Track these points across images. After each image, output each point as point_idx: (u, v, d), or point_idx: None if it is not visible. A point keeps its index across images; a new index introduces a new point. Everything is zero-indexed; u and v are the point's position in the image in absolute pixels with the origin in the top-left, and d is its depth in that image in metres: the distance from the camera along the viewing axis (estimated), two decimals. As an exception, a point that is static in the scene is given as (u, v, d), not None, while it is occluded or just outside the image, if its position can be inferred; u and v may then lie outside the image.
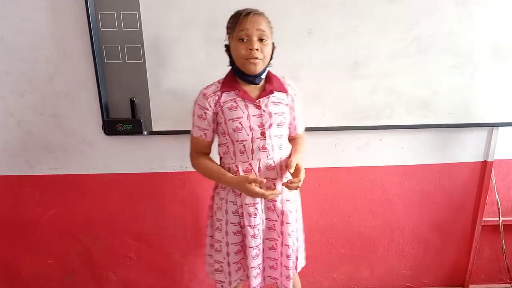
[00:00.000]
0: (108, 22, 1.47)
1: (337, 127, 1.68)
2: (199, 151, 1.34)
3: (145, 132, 1.60)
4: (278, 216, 1.31)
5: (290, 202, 1.34)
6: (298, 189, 1.36)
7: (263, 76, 1.27)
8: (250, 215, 1.28)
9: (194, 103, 1.30)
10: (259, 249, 1.33)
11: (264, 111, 1.25)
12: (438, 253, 1.99)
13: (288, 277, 1.36)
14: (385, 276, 2.02)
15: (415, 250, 1.97)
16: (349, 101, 1.65)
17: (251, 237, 1.29)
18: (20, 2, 1.47)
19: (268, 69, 1.29)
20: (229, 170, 1.30)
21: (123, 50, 1.51)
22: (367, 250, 1.96)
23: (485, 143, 1.81)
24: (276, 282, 1.42)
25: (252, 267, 1.33)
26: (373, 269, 2.00)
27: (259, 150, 1.26)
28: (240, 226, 1.32)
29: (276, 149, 1.29)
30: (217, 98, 1.25)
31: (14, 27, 1.49)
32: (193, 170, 1.72)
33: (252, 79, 1.24)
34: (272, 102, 1.27)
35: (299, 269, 1.47)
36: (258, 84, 1.27)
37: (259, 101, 1.25)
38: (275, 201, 1.30)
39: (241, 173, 1.27)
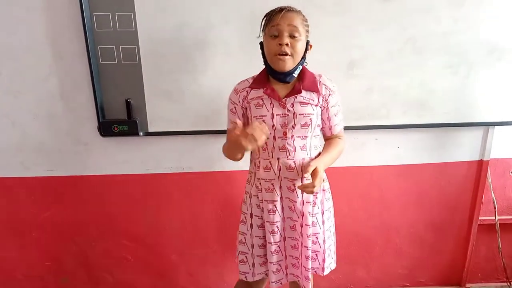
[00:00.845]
0: (103, 22, 1.47)
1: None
2: None
3: (141, 133, 1.60)
4: (298, 217, 1.31)
5: (315, 204, 1.31)
6: (326, 191, 1.37)
7: (295, 75, 1.23)
8: (269, 211, 1.29)
9: (228, 98, 1.33)
10: (278, 246, 1.34)
11: (289, 111, 1.23)
12: (434, 252, 1.99)
13: (307, 278, 1.36)
14: (381, 276, 2.02)
15: (411, 249, 1.98)
16: (344, 101, 1.62)
17: (270, 233, 1.31)
18: (14, 2, 1.46)
19: (301, 66, 1.24)
20: (255, 165, 1.33)
21: (118, 51, 1.51)
22: (363, 250, 1.96)
23: (481, 142, 1.82)
24: (299, 280, 1.40)
25: (271, 262, 1.35)
26: (370, 269, 2.00)
27: (279, 149, 1.26)
28: (264, 220, 1.34)
29: (298, 150, 1.26)
30: (245, 94, 1.27)
31: (8, 27, 1.49)
32: (189, 171, 1.73)
33: (282, 77, 1.21)
34: (299, 102, 1.23)
35: (326, 272, 1.42)
36: (289, 82, 1.24)
37: (284, 100, 1.23)
38: (295, 201, 1.29)
39: (261, 170, 1.29)
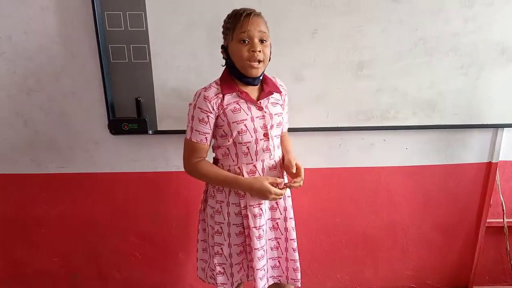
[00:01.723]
0: (115, 22, 1.48)
1: (342, 127, 1.68)
2: (198, 156, 1.28)
3: (150, 132, 1.61)
4: (281, 213, 1.35)
5: (290, 198, 1.39)
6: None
7: (261, 77, 1.27)
8: (255, 216, 1.28)
9: (191, 106, 1.23)
10: (264, 250, 1.33)
11: (265, 112, 1.25)
12: (442, 254, 1.99)
13: (296, 270, 1.38)
14: (388, 277, 2.02)
15: (419, 250, 1.97)
16: (353, 101, 1.65)
17: (257, 238, 1.29)
18: (27, 2, 1.48)
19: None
20: (234, 172, 1.28)
21: (129, 50, 1.52)
22: (370, 251, 1.96)
23: (490, 144, 1.81)
24: (280, 280, 1.43)
25: (258, 269, 1.32)
26: (377, 270, 2.00)
27: (263, 151, 1.27)
28: (243, 227, 1.32)
29: (276, 149, 1.31)
30: (219, 100, 1.21)
31: (21, 26, 1.50)
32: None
33: (251, 80, 1.23)
34: (271, 103, 1.29)
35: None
36: (257, 85, 1.27)
37: (260, 102, 1.25)
38: (280, 198, 1.31)
39: (245, 175, 1.26)
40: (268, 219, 1.35)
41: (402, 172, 1.82)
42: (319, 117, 1.66)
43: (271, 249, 1.39)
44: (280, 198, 1.28)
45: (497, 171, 1.84)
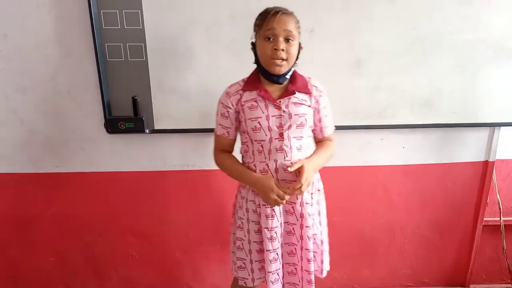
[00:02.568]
0: (111, 20, 1.48)
1: (339, 126, 1.66)
2: (222, 149, 1.35)
3: (147, 131, 1.61)
4: (298, 220, 1.29)
5: (312, 205, 1.31)
6: (321, 191, 1.39)
7: (288, 76, 1.25)
8: (267, 216, 1.26)
9: (218, 101, 1.30)
10: (276, 253, 1.30)
11: (284, 111, 1.23)
12: (439, 253, 1.99)
13: (309, 282, 1.33)
14: (386, 275, 2.02)
15: (416, 249, 1.98)
16: (351, 100, 1.64)
17: (268, 240, 1.27)
18: (22, 0, 1.47)
19: (293, 69, 1.26)
20: (249, 169, 1.29)
21: (126, 48, 1.52)
22: (368, 249, 1.96)
23: (486, 143, 1.81)
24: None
25: (270, 272, 1.30)
26: (374, 268, 2.00)
27: (277, 151, 1.24)
28: (260, 226, 1.31)
29: (295, 151, 1.26)
30: (239, 97, 1.25)
31: (17, 25, 1.50)
32: (195, 168, 1.74)
33: (276, 78, 1.22)
34: (293, 103, 1.24)
35: (324, 274, 1.43)
36: (282, 83, 1.25)
37: (279, 101, 1.23)
38: (294, 203, 1.28)
39: (258, 173, 1.26)
40: (285, 222, 1.31)
41: (400, 171, 1.83)
42: (317, 115, 1.65)
43: (288, 254, 1.34)
44: (283, 203, 1.21)
45: (494, 170, 1.84)
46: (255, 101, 1.23)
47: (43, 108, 1.61)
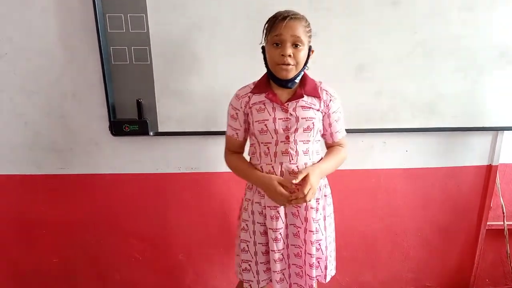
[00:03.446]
0: (116, 24, 1.49)
1: (342, 129, 1.68)
2: (232, 150, 1.37)
3: (151, 133, 1.62)
4: (302, 223, 1.30)
5: (317, 210, 1.31)
6: (328, 196, 1.38)
7: (297, 80, 1.24)
8: (271, 218, 1.28)
9: (229, 104, 1.32)
10: (281, 254, 1.32)
11: (291, 115, 1.23)
12: (442, 257, 1.98)
13: (311, 287, 1.34)
14: (388, 279, 2.01)
15: (418, 253, 1.97)
16: (353, 104, 1.65)
17: (273, 240, 1.29)
18: (28, 3, 1.49)
19: (303, 72, 1.26)
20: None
21: (130, 52, 1.53)
22: (370, 253, 1.96)
23: (490, 147, 1.81)
24: None
25: (275, 271, 1.33)
26: (376, 272, 2.00)
27: (282, 154, 1.25)
28: (266, 227, 1.32)
29: (301, 154, 1.26)
30: (247, 99, 1.27)
31: (22, 28, 1.51)
32: (198, 171, 1.75)
33: (284, 83, 1.23)
34: (301, 106, 1.24)
35: (328, 279, 1.42)
36: (291, 88, 1.25)
37: (287, 104, 1.23)
38: (299, 206, 1.28)
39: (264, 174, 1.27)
40: (291, 224, 1.32)
41: (402, 175, 1.83)
42: (319, 119, 1.66)
43: (295, 256, 1.35)
44: (288, 202, 1.20)
45: (497, 174, 1.84)
46: (263, 104, 1.25)
47: (48, 110, 1.62)
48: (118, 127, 1.60)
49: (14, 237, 1.82)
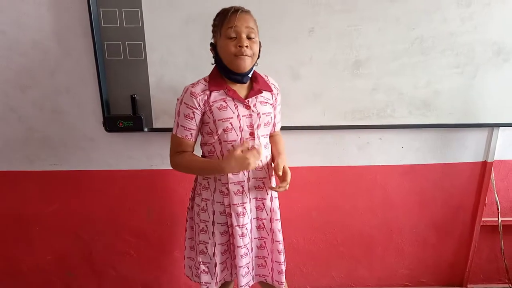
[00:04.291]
0: (110, 18, 1.47)
1: (338, 126, 1.68)
2: (182, 151, 1.28)
3: (145, 129, 1.60)
4: (268, 214, 1.34)
5: (277, 198, 1.38)
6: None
7: (250, 75, 1.25)
8: (238, 215, 1.28)
9: (179, 101, 1.24)
10: (247, 249, 1.34)
11: (253, 111, 1.24)
12: (436, 253, 1.99)
13: (280, 272, 1.38)
14: (383, 275, 2.02)
15: (414, 249, 1.98)
16: (350, 100, 1.65)
17: (240, 236, 1.29)
18: (22, -2, 1.47)
19: (254, 67, 1.27)
20: None
21: (125, 47, 1.51)
22: (366, 249, 1.96)
23: (485, 143, 1.81)
24: (266, 279, 1.43)
25: (240, 266, 1.33)
26: (372, 268, 2.01)
27: (248, 150, 1.24)
28: (228, 226, 1.32)
29: (263, 149, 1.28)
30: (206, 97, 1.21)
31: (16, 22, 1.49)
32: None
33: (240, 78, 1.22)
34: (260, 102, 1.27)
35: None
36: (245, 83, 1.25)
37: (248, 101, 1.24)
38: (264, 199, 1.32)
39: (230, 175, 1.25)
40: (254, 218, 1.35)
41: (398, 171, 1.83)
42: (316, 115, 1.66)
43: (257, 248, 1.39)
44: (259, 158, 1.18)
45: (492, 170, 1.84)
46: (224, 101, 1.22)
47: (42, 106, 1.61)
48: (112, 123, 1.58)
49: (8, 234, 1.81)
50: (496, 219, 1.92)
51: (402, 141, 1.78)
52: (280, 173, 1.25)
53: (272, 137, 1.41)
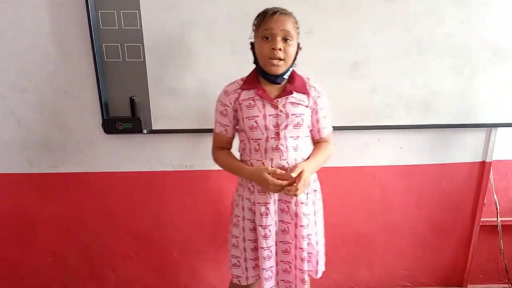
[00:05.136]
0: (109, 20, 1.48)
1: (337, 126, 1.67)
2: (220, 146, 1.37)
3: (144, 131, 1.61)
4: (292, 219, 1.30)
5: (307, 205, 1.32)
6: (317, 191, 1.39)
7: (286, 76, 1.25)
8: (261, 214, 1.27)
9: (217, 100, 1.32)
10: (270, 251, 1.32)
11: (281, 111, 1.24)
12: (436, 253, 1.99)
13: (303, 281, 1.34)
14: (383, 276, 2.02)
15: (413, 250, 1.98)
16: (348, 101, 1.65)
17: (262, 237, 1.29)
18: (20, 1, 1.47)
19: (291, 69, 1.27)
20: None
21: (123, 49, 1.52)
22: (365, 250, 1.96)
23: (483, 143, 1.82)
24: (290, 286, 1.39)
25: (264, 269, 1.32)
26: (372, 269, 2.01)
27: (272, 150, 1.25)
28: (255, 224, 1.32)
29: (291, 151, 1.27)
30: (237, 95, 1.26)
31: (15, 25, 1.50)
32: (192, 169, 1.74)
33: (273, 78, 1.23)
34: (291, 102, 1.25)
35: (319, 274, 1.43)
36: (280, 83, 1.26)
37: (277, 101, 1.24)
38: (289, 202, 1.29)
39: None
40: (280, 221, 1.32)
41: (397, 171, 1.83)
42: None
43: (283, 253, 1.36)
44: (281, 190, 1.19)
45: (491, 170, 1.85)
46: (253, 100, 1.25)
47: (41, 108, 1.61)
48: (111, 125, 1.58)
49: (7, 237, 1.81)
50: (495, 219, 1.92)
51: (400, 141, 1.78)
52: (294, 174, 1.17)
53: (317, 143, 1.38)
